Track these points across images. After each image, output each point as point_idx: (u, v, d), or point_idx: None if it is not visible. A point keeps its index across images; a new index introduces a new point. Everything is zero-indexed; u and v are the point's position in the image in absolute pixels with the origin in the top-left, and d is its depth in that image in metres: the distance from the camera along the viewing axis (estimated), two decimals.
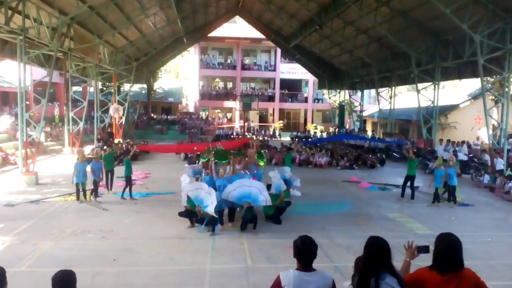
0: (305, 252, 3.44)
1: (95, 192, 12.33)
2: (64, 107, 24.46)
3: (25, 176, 14.48)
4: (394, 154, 23.71)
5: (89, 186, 12.52)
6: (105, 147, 18.06)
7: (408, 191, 13.51)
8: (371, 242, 3.36)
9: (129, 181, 12.65)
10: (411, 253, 3.58)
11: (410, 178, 13.39)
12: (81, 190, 12.11)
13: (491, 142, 16.58)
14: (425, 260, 3.46)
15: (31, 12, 14.76)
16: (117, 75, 28.35)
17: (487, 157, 17.78)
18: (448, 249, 3.25)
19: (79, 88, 30.29)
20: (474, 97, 26.89)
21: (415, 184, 13.86)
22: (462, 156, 19.48)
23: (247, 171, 11.38)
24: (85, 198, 12.13)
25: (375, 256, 3.25)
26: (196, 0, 25.48)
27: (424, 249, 3.51)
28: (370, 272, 3.18)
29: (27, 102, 17.20)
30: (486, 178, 16.05)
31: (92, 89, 25.18)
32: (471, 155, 19.93)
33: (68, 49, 19.23)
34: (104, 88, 33.34)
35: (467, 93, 29.28)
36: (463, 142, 21.11)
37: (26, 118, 15.06)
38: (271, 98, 45.39)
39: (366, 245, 3.36)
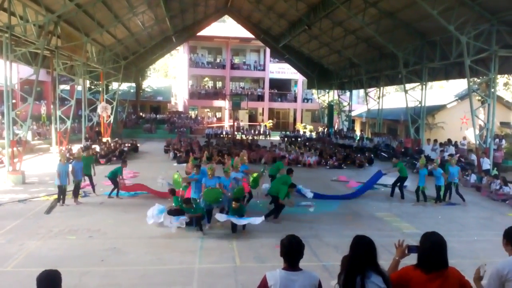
0: (292, 252, 3.44)
1: (75, 193, 11.96)
2: (52, 106, 24.20)
3: (12, 175, 14.33)
4: (382, 153, 23.91)
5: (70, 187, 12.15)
6: (91, 146, 17.85)
7: (397, 191, 13.69)
8: (357, 240, 3.38)
9: (115, 182, 12.57)
10: (401, 252, 3.59)
11: (402, 179, 13.56)
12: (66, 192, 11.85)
13: (477, 142, 16.79)
14: (413, 259, 3.49)
15: (17, 10, 14.60)
16: (105, 74, 28.15)
17: (473, 157, 18.00)
18: (432, 248, 3.28)
19: (67, 87, 30.04)
20: (461, 97, 27.21)
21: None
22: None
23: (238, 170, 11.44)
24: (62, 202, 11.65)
25: (361, 254, 3.27)
26: None
27: (415, 249, 3.47)
28: (356, 271, 3.20)
29: (14, 101, 17.00)
30: (473, 178, 16.25)
31: (80, 88, 24.96)
32: (458, 154, 20.13)
33: (55, 47, 19.07)
34: (92, 87, 33.05)
35: (454, 93, 29.61)
36: (449, 142, 21.32)
37: (13, 117, 14.89)
38: (260, 98, 45.43)
39: (352, 243, 3.38)
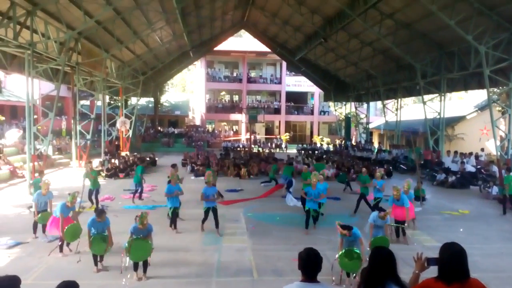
0: (310, 264, 3.40)
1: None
2: (72, 121, 24.64)
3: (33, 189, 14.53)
4: (401, 166, 23.61)
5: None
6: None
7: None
8: (376, 252, 3.33)
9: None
10: (420, 265, 3.52)
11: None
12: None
13: (498, 153, 16.46)
14: (433, 273, 3.40)
15: (39, 27, 15.01)
16: (124, 89, 28.61)
17: (495, 168, 17.63)
18: (452, 259, 3.21)
19: (87, 102, 30.57)
20: (481, 108, 26.78)
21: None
22: (470, 168, 19.35)
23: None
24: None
25: (380, 266, 3.22)
26: (202, 14, 25.78)
27: (434, 261, 3.40)
28: (375, 283, 3.14)
29: (35, 116, 17.42)
30: (495, 190, 15.87)
31: (99, 103, 25.40)
32: (478, 166, 19.77)
33: (75, 63, 19.50)
34: (112, 102, 33.61)
35: (474, 104, 29.18)
36: (470, 153, 20.96)
37: (34, 132, 15.20)
38: (277, 111, 45.52)
39: (371, 255, 3.33)
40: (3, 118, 28.15)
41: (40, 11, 14.89)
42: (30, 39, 14.34)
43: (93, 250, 7.69)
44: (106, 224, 7.90)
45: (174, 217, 10.60)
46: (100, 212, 7.89)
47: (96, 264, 7.79)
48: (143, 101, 38.53)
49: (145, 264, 7.41)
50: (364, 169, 14.42)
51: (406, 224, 10.14)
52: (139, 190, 14.31)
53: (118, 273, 7.54)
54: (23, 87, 18.48)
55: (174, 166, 13.37)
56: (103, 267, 7.84)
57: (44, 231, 9.54)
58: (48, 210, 9.77)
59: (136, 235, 7.39)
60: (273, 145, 37.74)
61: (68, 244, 8.84)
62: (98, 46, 20.70)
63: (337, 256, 7.28)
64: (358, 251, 7.14)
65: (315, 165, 19.79)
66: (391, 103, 32.10)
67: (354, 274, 7.17)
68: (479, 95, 32.26)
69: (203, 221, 10.40)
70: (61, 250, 8.70)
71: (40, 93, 22.05)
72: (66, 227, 8.43)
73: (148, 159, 24.07)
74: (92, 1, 16.09)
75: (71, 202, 8.91)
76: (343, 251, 7.19)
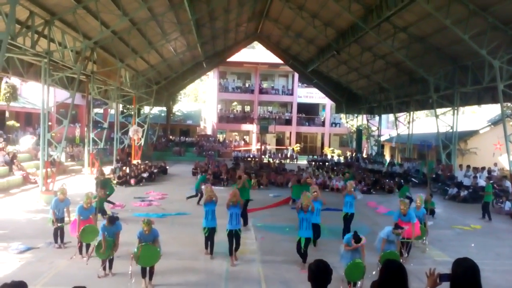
0: (319, 276, 3.39)
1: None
2: (85, 128, 24.93)
3: (45, 195, 14.72)
4: (413, 179, 23.40)
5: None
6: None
7: None
8: (387, 265, 3.31)
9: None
10: (432, 281, 3.47)
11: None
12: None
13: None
14: None
15: (56, 36, 15.29)
16: (137, 98, 28.92)
17: (508, 183, 17.40)
18: (465, 274, 3.17)
19: (100, 110, 30.91)
20: (494, 123, 26.49)
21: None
22: (483, 182, 19.09)
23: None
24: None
25: (391, 280, 3.19)
26: (216, 26, 26.06)
27: (447, 277, 3.35)
28: None
29: (50, 123, 17.65)
30: (508, 205, 15.67)
31: (113, 111, 25.67)
32: (491, 181, 19.50)
33: (91, 72, 19.81)
34: (125, 110, 33.96)
35: (487, 118, 28.90)
36: (483, 168, 20.71)
37: (48, 138, 15.41)
38: (288, 122, 45.57)
39: (382, 268, 3.31)
40: (18, 124, 28.58)
41: (58, 21, 15.17)
42: (47, 48, 14.60)
43: (98, 255, 7.81)
44: (117, 229, 7.98)
45: (209, 240, 9.34)
46: (111, 219, 7.95)
47: (103, 268, 7.89)
48: (156, 110, 38.91)
49: (151, 272, 7.46)
50: (309, 179, 14.01)
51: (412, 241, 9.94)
52: (198, 196, 15.31)
53: (126, 280, 7.58)
54: (38, 95, 18.77)
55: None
56: (112, 274, 7.89)
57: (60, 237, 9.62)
58: (66, 217, 9.74)
59: (144, 240, 7.40)
60: (284, 156, 37.72)
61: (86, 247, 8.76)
62: (113, 55, 21.01)
63: (343, 273, 7.05)
64: (361, 261, 7.04)
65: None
66: (403, 116, 31.95)
67: (359, 283, 7.14)
68: (493, 110, 31.97)
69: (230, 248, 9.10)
70: (80, 252, 8.77)
71: (55, 101, 22.42)
72: (82, 228, 8.47)
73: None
74: (109, 12, 16.35)
75: (87, 203, 8.98)
76: (348, 264, 6.99)
